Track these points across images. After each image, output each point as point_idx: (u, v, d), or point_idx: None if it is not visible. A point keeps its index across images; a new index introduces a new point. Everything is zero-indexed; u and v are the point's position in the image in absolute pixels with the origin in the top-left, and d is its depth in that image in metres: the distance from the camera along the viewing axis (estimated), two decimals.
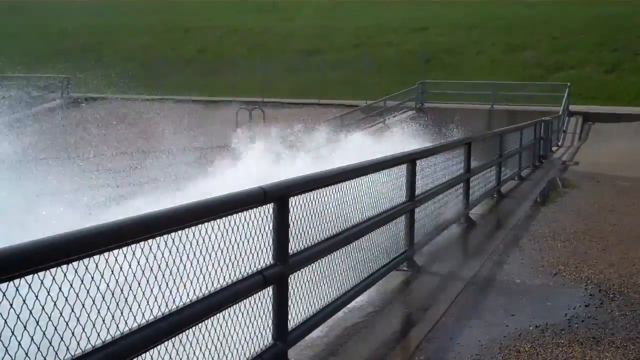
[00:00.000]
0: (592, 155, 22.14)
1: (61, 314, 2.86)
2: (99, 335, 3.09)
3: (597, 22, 42.68)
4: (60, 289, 2.85)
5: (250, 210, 4.33)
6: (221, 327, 4.10)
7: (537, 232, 10.32)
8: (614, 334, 6.10)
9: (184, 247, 3.69)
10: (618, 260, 8.75)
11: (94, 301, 3.05)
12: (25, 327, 2.69)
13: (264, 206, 4.47)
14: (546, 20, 44.60)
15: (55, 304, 2.83)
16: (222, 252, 4.04)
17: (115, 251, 3.19)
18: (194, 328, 3.82)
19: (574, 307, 6.81)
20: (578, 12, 44.64)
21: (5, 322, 2.60)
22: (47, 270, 2.80)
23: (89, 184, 20.70)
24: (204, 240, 3.86)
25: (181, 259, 3.68)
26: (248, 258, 4.33)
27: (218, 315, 4.05)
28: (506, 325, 6.22)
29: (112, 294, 3.17)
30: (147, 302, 3.44)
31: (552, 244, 9.57)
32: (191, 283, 3.80)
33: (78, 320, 2.96)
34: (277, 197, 4.54)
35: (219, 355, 4.07)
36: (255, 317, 4.44)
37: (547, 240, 9.83)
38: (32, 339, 2.72)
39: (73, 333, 2.93)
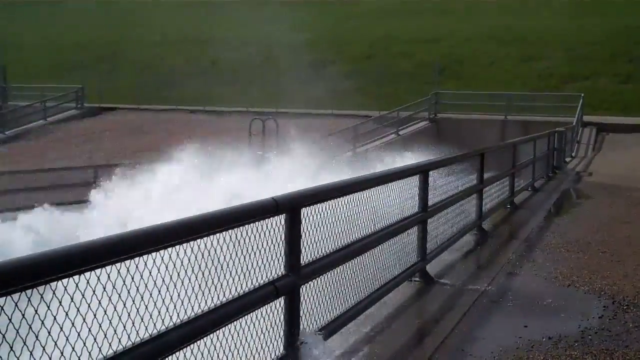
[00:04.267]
0: (606, 166, 22.05)
1: (73, 324, 2.88)
2: (110, 345, 3.11)
3: (611, 33, 42.58)
4: (72, 299, 2.87)
5: (262, 221, 4.34)
6: (232, 337, 4.11)
7: (550, 243, 10.29)
8: (627, 346, 6.07)
9: (196, 257, 3.70)
10: (632, 271, 8.71)
11: (105, 311, 3.07)
12: (37, 337, 2.70)
13: (276, 217, 4.48)
14: (560, 31, 44.51)
15: (67, 314, 2.84)
16: (234, 262, 4.05)
17: (127, 262, 3.20)
18: (205, 338, 3.83)
19: (587, 319, 6.78)
20: (592, 24, 44.55)
21: (17, 332, 2.62)
22: (59, 281, 2.82)
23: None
24: (215, 251, 3.87)
25: (192, 270, 3.69)
26: (260, 269, 4.34)
27: (229, 325, 4.06)
28: (519, 337, 6.20)
29: (124, 305, 3.19)
30: (159, 312, 3.45)
31: (565, 255, 9.54)
32: (203, 293, 3.81)
33: (89, 330, 2.98)
34: (289, 208, 4.55)
35: None
36: (266, 327, 4.45)
37: (561, 251, 9.79)
38: (43, 349, 2.74)
39: (84, 343, 2.95)
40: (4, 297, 2.58)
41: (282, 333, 4.60)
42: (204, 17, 60.55)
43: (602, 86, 37.81)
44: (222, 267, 3.94)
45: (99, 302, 3.02)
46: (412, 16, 52.75)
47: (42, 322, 2.73)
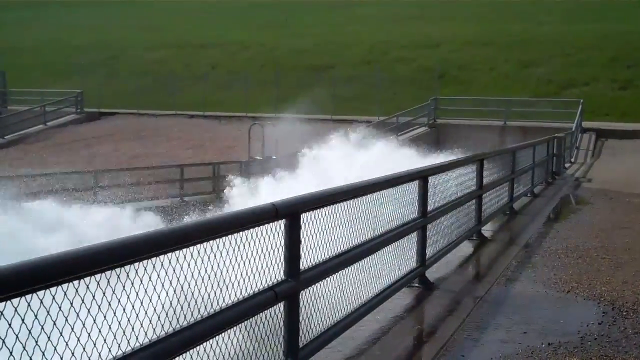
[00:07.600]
0: (605, 172, 22.06)
1: (72, 329, 2.87)
2: (110, 350, 3.10)
3: (610, 39, 42.61)
4: (71, 304, 2.86)
5: (262, 226, 4.33)
6: (232, 343, 4.10)
7: (549, 249, 10.28)
8: (627, 352, 6.06)
9: (196, 263, 3.70)
10: (631, 277, 8.70)
11: (105, 316, 3.06)
12: (37, 342, 2.69)
13: (275, 222, 4.47)
14: (559, 36, 44.54)
15: (66, 320, 2.84)
16: (233, 268, 4.05)
17: (127, 267, 3.20)
18: (205, 344, 3.82)
19: (586, 325, 6.77)
20: (591, 29, 44.59)
21: (17, 336, 2.61)
22: (59, 286, 2.81)
23: None
24: (215, 256, 3.87)
25: (192, 275, 3.69)
26: (259, 274, 4.33)
27: (229, 331, 4.05)
28: (518, 343, 6.19)
29: (124, 310, 3.18)
30: (159, 317, 3.44)
31: (564, 261, 9.53)
32: (202, 299, 3.80)
33: (89, 335, 2.97)
34: (289, 213, 4.54)
35: None
36: (266, 333, 4.44)
37: (560, 257, 9.78)
38: (43, 354, 2.73)
39: (84, 348, 2.94)
40: (4, 302, 2.57)
41: (281, 339, 4.59)
42: (202, 21, 60.65)
43: (601, 92, 37.83)
44: (221, 273, 3.93)
45: (99, 307, 3.02)
46: (412, 21, 52.81)
47: (42, 327, 2.72)
